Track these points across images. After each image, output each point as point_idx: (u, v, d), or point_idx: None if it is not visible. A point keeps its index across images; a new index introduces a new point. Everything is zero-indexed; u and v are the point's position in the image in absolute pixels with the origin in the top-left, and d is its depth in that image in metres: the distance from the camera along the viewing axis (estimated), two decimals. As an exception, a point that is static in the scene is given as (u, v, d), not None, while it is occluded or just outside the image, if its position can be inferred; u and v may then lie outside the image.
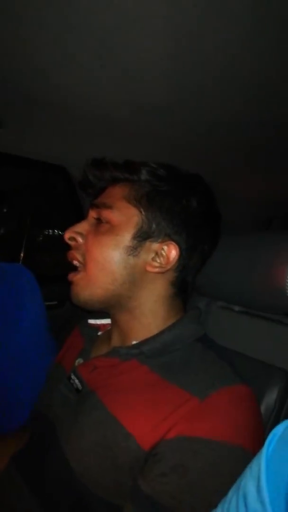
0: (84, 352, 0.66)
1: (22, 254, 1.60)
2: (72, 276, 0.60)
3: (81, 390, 0.58)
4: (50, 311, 0.90)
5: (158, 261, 0.57)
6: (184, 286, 0.61)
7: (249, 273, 0.76)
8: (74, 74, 0.73)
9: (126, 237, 0.56)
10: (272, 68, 0.69)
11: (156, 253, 0.57)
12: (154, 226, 0.57)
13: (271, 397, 0.69)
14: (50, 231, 2.59)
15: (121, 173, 0.60)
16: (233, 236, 0.85)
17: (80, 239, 0.60)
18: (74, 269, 0.61)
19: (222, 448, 0.44)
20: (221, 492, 0.38)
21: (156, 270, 0.57)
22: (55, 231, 2.58)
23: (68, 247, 0.62)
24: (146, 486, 0.45)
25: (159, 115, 0.89)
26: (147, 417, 0.49)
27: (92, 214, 0.61)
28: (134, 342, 0.58)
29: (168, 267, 0.57)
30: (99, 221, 0.59)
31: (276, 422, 0.68)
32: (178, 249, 0.57)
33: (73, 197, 1.31)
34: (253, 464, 0.35)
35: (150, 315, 0.59)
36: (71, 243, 0.61)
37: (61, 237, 0.63)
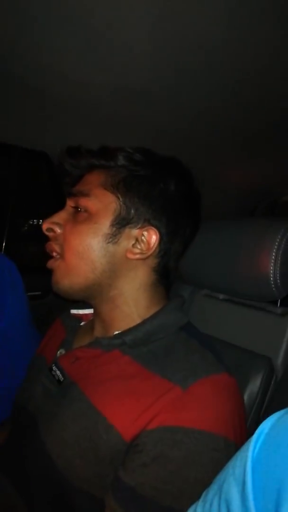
0: (66, 343, 0.64)
1: (3, 244, 1.56)
2: (51, 263, 0.59)
3: (62, 381, 0.57)
4: (33, 301, 0.88)
5: (139, 247, 0.56)
6: (167, 272, 0.60)
7: (233, 260, 0.76)
8: (54, 56, 0.70)
9: (105, 225, 0.55)
10: (258, 53, 0.67)
11: (136, 239, 0.56)
12: (132, 212, 0.55)
13: (255, 385, 0.69)
14: (34, 220, 2.53)
15: (97, 160, 0.58)
16: (216, 221, 0.84)
17: (58, 230, 0.58)
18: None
19: (204, 437, 0.44)
20: (203, 482, 0.38)
21: (137, 256, 0.56)
22: (39, 220, 2.52)
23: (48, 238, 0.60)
24: (127, 477, 0.44)
25: (144, 100, 0.86)
26: (129, 408, 0.48)
27: (70, 203, 0.59)
28: (116, 332, 0.57)
29: (149, 253, 0.56)
30: (77, 210, 0.58)
31: (259, 409, 0.69)
32: (158, 234, 0.56)
33: (56, 184, 1.28)
34: (237, 464, 0.31)
35: (132, 304, 0.58)
36: (49, 234, 0.59)
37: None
